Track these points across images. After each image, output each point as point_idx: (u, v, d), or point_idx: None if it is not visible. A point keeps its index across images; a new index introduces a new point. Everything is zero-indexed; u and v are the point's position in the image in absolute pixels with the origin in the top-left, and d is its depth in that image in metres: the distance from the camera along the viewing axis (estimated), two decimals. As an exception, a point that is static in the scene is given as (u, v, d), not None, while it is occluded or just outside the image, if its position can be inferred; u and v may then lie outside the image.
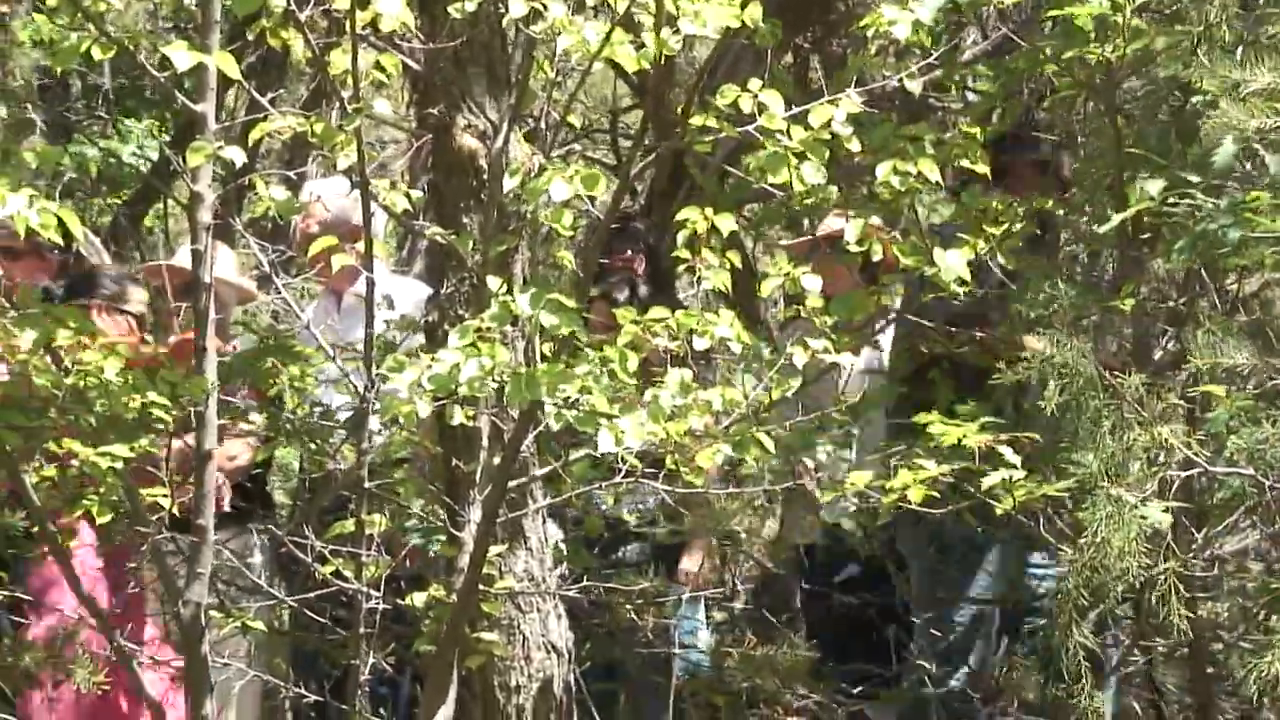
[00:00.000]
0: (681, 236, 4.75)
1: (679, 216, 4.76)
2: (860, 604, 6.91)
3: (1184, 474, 5.15)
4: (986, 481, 4.96)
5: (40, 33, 10.07)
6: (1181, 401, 5.28)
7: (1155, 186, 5.28)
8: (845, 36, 8.76)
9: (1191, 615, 5.10)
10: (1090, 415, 5.14)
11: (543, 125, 5.07)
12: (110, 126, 10.01)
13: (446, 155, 5.26)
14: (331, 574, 5.18)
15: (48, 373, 4.73)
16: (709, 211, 4.70)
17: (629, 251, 7.49)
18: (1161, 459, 5.08)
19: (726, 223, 4.74)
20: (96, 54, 4.51)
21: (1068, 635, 5.07)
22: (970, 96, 8.77)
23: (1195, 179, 5.23)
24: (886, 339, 6.76)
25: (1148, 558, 4.92)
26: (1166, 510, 4.93)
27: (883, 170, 4.89)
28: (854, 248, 5.16)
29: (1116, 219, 5.39)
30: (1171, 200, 5.21)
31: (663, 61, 4.60)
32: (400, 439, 5.45)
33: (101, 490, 4.85)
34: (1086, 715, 5.27)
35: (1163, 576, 4.99)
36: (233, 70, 4.61)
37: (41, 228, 4.46)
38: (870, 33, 4.89)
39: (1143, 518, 4.91)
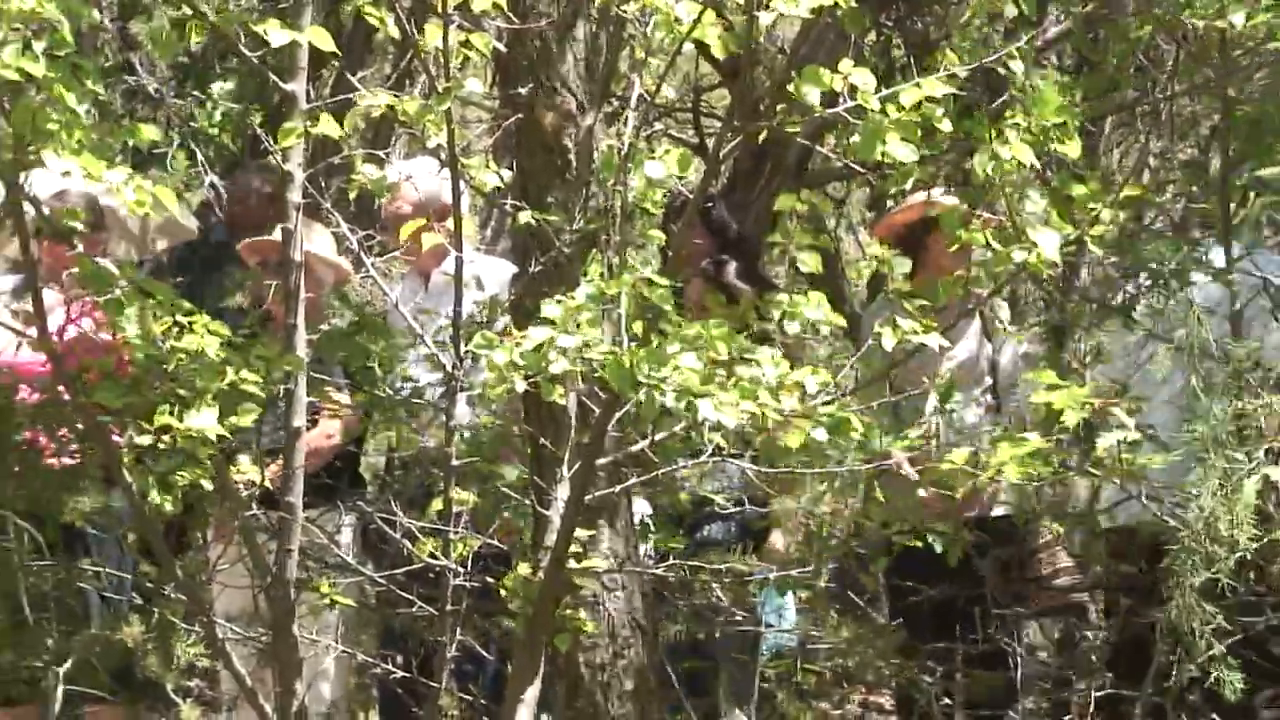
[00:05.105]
0: (781, 223, 4.73)
1: (777, 206, 4.74)
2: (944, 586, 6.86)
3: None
4: (1101, 443, 4.90)
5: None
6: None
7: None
8: (928, 15, 8.72)
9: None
10: (1201, 383, 5.09)
11: (630, 105, 5.07)
12: (207, 102, 10.07)
13: (532, 135, 5.27)
14: (419, 551, 5.21)
15: (148, 349, 4.76)
16: (805, 194, 4.69)
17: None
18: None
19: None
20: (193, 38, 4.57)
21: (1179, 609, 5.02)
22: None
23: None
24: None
25: (1258, 528, 4.87)
26: None
27: (979, 159, 4.81)
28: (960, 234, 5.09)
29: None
30: None
31: (752, 42, 4.59)
32: (489, 419, 5.47)
33: (198, 469, 4.87)
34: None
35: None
36: (327, 44, 4.65)
37: (136, 204, 4.52)
38: (968, 12, 4.86)
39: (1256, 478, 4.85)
